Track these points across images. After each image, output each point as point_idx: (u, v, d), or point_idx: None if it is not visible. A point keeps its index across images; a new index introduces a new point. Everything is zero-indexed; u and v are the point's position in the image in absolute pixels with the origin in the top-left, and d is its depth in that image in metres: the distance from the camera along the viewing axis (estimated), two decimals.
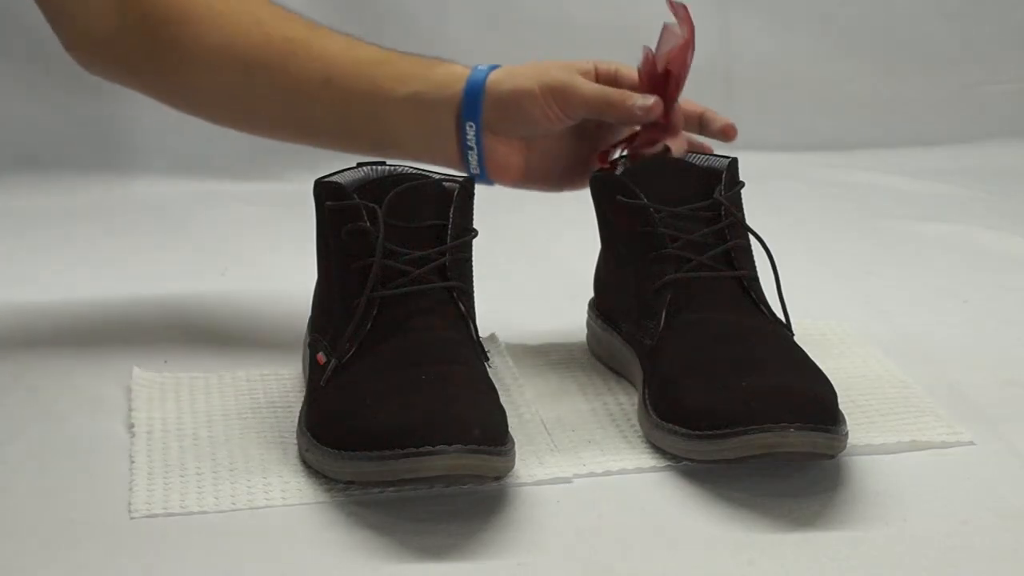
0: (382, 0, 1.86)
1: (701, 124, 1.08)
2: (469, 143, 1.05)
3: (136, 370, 1.08)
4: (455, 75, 1.05)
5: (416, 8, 1.87)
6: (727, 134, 1.07)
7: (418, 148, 1.07)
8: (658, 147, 1.04)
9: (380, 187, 0.97)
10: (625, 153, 1.08)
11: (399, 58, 1.08)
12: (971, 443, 0.97)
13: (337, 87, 1.07)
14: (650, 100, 1.03)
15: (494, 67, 1.06)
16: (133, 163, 1.78)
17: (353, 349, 0.94)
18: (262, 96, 1.10)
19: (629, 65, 1.07)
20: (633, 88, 1.05)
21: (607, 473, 0.93)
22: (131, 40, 1.12)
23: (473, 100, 1.04)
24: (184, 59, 1.10)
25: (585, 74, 1.05)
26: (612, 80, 1.06)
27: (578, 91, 1.03)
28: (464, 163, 1.06)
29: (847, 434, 0.91)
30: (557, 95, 1.03)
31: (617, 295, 1.07)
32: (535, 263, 1.44)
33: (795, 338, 1.00)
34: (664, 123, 1.04)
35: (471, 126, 1.04)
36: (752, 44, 1.93)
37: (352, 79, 1.07)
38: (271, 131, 1.16)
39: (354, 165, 1.00)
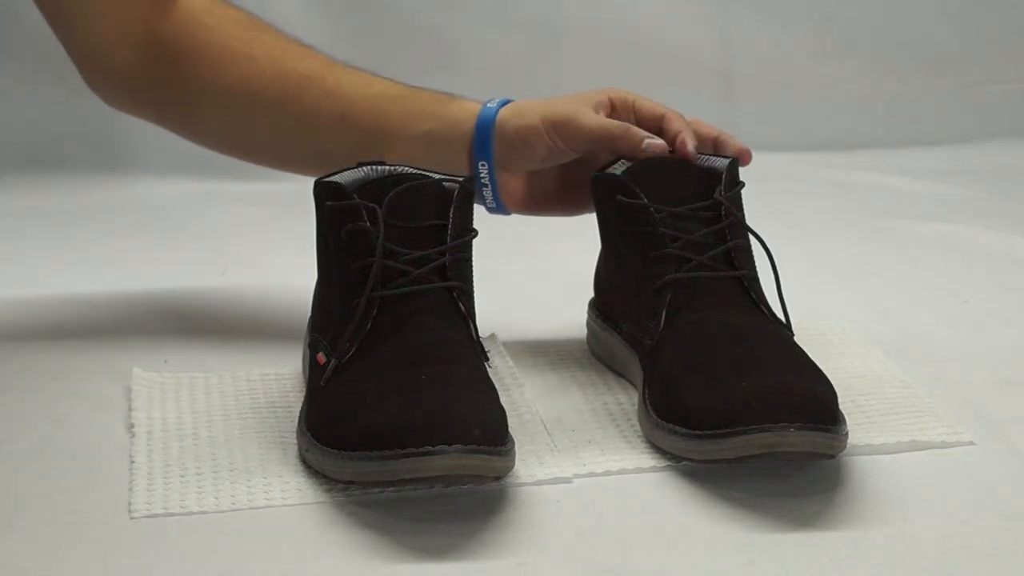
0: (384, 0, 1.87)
1: (715, 147, 1.08)
2: (483, 180, 1.07)
3: (136, 370, 1.08)
4: (467, 112, 1.07)
5: (418, 7, 1.87)
6: (742, 159, 1.06)
7: None
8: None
9: (380, 187, 0.97)
10: None
11: (413, 94, 1.10)
12: (971, 443, 0.97)
13: (352, 124, 1.08)
14: (656, 140, 1.03)
15: (505, 102, 1.07)
16: (133, 163, 1.78)
17: (353, 349, 0.94)
18: (277, 132, 1.12)
19: (647, 98, 1.08)
20: (652, 119, 1.06)
21: (607, 473, 0.93)
22: (149, 75, 1.14)
23: (483, 139, 1.06)
24: (199, 95, 1.12)
25: (599, 106, 1.06)
26: (629, 110, 1.07)
27: (580, 124, 1.04)
28: (480, 198, 1.08)
29: (847, 434, 0.91)
30: (559, 128, 1.04)
31: (617, 295, 1.07)
32: (535, 263, 1.44)
33: (795, 338, 1.00)
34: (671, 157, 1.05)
35: (483, 165, 1.06)
36: (752, 44, 1.93)
37: (367, 115, 1.08)
38: (285, 164, 1.17)
39: (354, 165, 1.00)
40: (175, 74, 1.13)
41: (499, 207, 1.10)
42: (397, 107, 1.09)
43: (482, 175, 1.07)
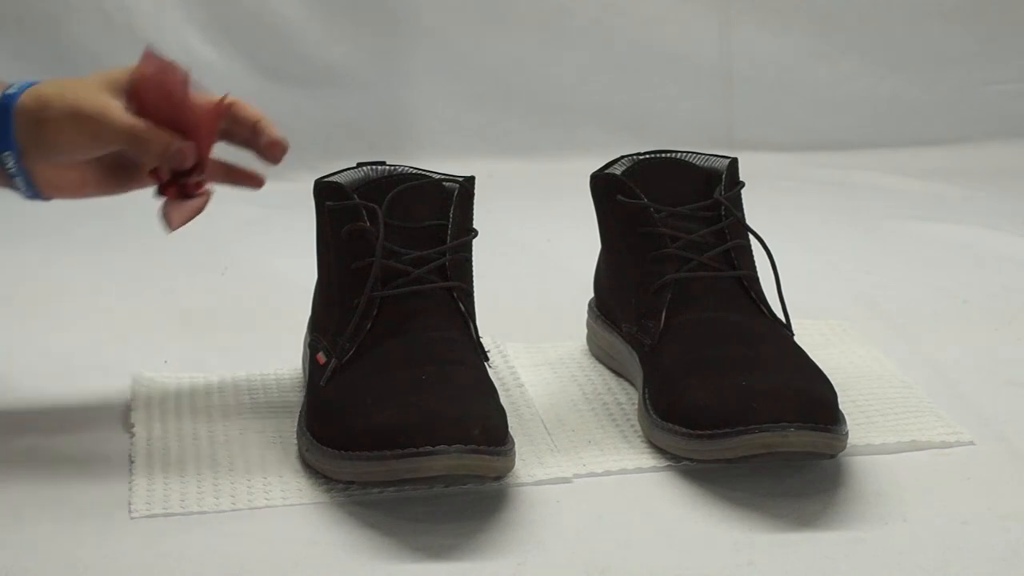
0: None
1: (253, 132, 1.00)
2: (10, 169, 0.98)
3: (136, 370, 1.08)
4: None
5: (418, 7, 1.87)
6: (273, 152, 0.99)
7: None
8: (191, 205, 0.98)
9: (380, 187, 0.97)
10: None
11: None
12: (971, 443, 0.97)
13: None
14: (183, 146, 0.95)
15: (28, 85, 0.98)
16: None
17: (353, 349, 0.94)
18: None
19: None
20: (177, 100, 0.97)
21: (607, 473, 0.93)
22: None
23: (3, 127, 0.96)
24: None
25: (130, 85, 0.98)
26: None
27: (109, 123, 0.95)
28: (14, 188, 1.00)
29: (847, 434, 0.91)
30: (84, 125, 0.95)
31: (617, 295, 1.07)
32: (535, 263, 1.44)
33: (795, 338, 1.00)
34: (196, 169, 0.98)
35: (8, 155, 0.97)
36: (752, 44, 1.93)
37: None
38: None
39: (354, 165, 1.00)
40: None
41: (35, 194, 1.00)
42: None
43: (8, 165, 0.97)
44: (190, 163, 0.96)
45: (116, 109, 0.96)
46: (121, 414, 1.02)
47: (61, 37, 1.76)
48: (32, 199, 1.01)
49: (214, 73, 1.73)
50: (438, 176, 1.00)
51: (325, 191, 0.99)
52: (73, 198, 1.03)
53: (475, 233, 1.00)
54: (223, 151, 1.01)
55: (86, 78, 0.99)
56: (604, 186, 1.05)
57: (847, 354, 1.13)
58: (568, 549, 0.84)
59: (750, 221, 1.02)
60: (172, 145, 0.95)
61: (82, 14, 1.77)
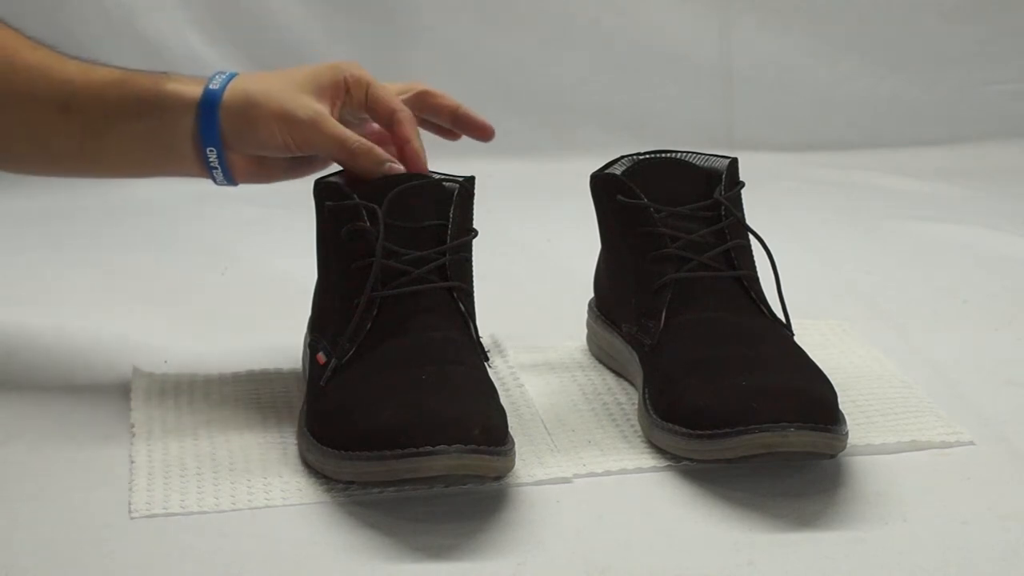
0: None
1: (454, 121, 1.05)
2: (212, 163, 1.01)
3: (136, 370, 1.08)
4: (187, 97, 0.99)
5: (418, 7, 1.87)
6: (484, 133, 1.04)
7: (159, 169, 1.04)
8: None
9: (380, 187, 0.97)
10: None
11: (130, 78, 1.02)
12: (971, 443, 0.97)
13: (75, 113, 1.01)
14: (396, 165, 0.99)
15: (231, 76, 1.00)
16: None
17: (353, 349, 0.94)
18: (8, 127, 1.03)
19: (384, 85, 1.03)
20: (384, 113, 1.01)
21: (607, 473, 0.93)
22: None
23: (209, 124, 0.99)
24: None
25: (333, 88, 1.00)
26: (362, 95, 1.01)
27: (319, 132, 0.98)
28: (210, 177, 1.02)
29: (847, 434, 0.91)
30: (295, 131, 0.98)
31: (617, 295, 1.07)
32: (535, 263, 1.44)
33: (795, 338, 1.00)
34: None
35: (211, 151, 1.00)
36: (752, 44, 1.93)
37: (89, 104, 1.01)
38: (17, 165, 1.10)
39: None
40: None
41: (228, 181, 1.03)
42: (114, 92, 1.01)
43: (211, 159, 1.00)
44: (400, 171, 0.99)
45: (328, 118, 0.98)
46: (121, 414, 1.02)
47: (61, 37, 1.75)
48: (223, 185, 1.03)
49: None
50: (438, 176, 1.00)
51: (325, 191, 0.99)
52: (262, 183, 1.05)
53: (475, 233, 1.00)
54: None
55: (285, 74, 1.01)
56: (604, 186, 1.05)
57: (847, 354, 1.13)
58: (568, 549, 0.84)
59: (750, 221, 1.02)
60: (385, 162, 0.98)
61: (82, 14, 1.76)
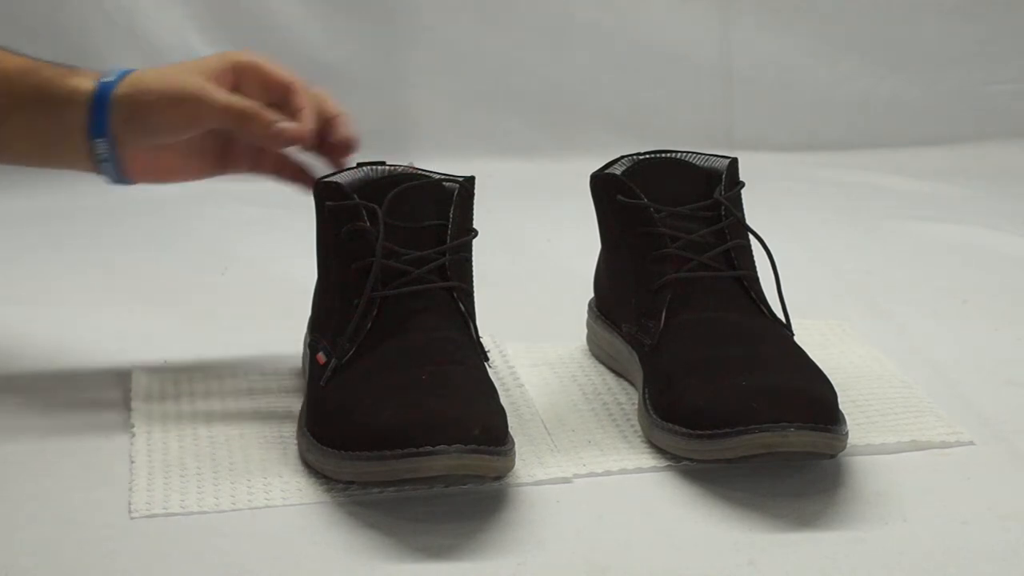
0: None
1: (326, 128, 1.02)
2: (101, 155, 1.01)
3: (136, 370, 1.08)
4: (84, 88, 1.00)
5: (418, 7, 1.87)
6: (347, 146, 1.02)
7: (51, 161, 1.05)
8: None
9: (380, 187, 0.97)
10: None
11: (37, 68, 1.02)
12: (971, 443, 0.97)
13: None
14: (288, 124, 0.98)
15: (125, 73, 1.01)
16: None
17: (353, 349, 0.94)
18: None
19: (278, 65, 1.02)
20: (279, 87, 1.01)
21: (607, 473, 0.93)
22: None
23: (100, 116, 0.99)
24: None
25: (220, 77, 1.00)
26: (256, 78, 1.01)
27: (205, 103, 0.98)
28: (101, 172, 1.03)
29: (847, 434, 0.91)
30: (182, 107, 0.98)
31: (617, 295, 1.07)
32: (535, 263, 1.44)
33: (795, 338, 1.00)
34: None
35: (101, 142, 1.00)
36: (752, 44, 1.93)
37: None
38: None
39: (354, 165, 1.00)
40: None
41: (121, 179, 1.03)
42: (17, 81, 1.01)
43: (99, 151, 1.00)
44: (295, 136, 0.97)
45: (214, 89, 0.98)
46: (121, 414, 1.02)
47: (60, 37, 1.75)
48: (117, 184, 1.03)
49: None
50: (438, 176, 1.00)
51: (325, 191, 0.99)
52: (163, 183, 1.06)
53: (475, 233, 1.00)
54: None
55: (178, 64, 1.02)
56: (604, 186, 1.05)
57: (847, 354, 1.13)
58: (568, 549, 0.84)
59: (750, 221, 1.02)
60: (274, 123, 0.97)
61: (82, 14, 1.77)
